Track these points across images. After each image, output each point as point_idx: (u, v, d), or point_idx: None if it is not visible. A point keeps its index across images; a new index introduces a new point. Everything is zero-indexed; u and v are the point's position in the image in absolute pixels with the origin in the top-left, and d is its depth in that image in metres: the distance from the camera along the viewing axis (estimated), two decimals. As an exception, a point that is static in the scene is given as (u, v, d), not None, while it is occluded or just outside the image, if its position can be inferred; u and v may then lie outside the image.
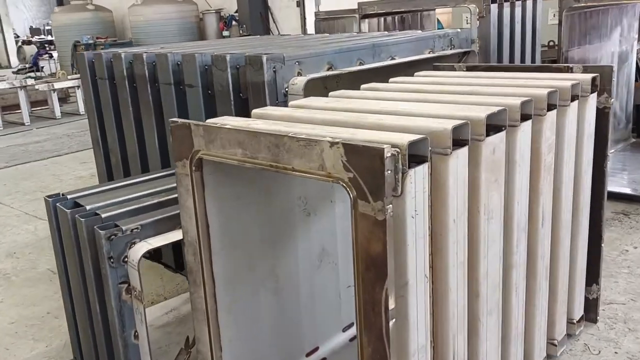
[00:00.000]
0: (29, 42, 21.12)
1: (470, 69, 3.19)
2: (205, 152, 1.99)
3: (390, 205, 1.56)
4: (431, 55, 3.52)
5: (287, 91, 2.83)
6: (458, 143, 1.86)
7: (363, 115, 2.03)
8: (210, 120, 2.03)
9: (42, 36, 24.51)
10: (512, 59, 5.31)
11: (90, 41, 14.51)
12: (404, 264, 1.70)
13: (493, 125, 2.02)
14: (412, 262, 1.72)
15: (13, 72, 16.20)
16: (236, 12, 13.71)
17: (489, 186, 2.01)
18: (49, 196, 2.76)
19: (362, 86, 2.77)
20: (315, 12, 9.17)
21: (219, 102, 3.09)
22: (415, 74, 3.09)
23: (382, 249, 1.59)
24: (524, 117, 2.16)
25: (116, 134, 4.10)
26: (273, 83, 2.79)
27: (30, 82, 10.07)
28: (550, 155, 2.37)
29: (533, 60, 5.60)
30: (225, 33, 13.47)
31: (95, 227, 2.32)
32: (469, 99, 2.24)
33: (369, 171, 1.56)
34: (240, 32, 13.27)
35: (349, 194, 1.61)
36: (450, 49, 3.66)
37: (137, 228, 2.33)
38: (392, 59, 3.34)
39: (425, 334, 1.81)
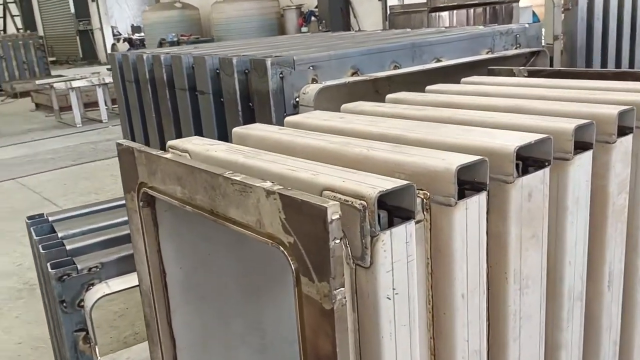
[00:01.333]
0: (129, 40, 21.84)
1: (532, 74, 2.58)
2: (149, 186, 1.57)
3: (342, 289, 1.06)
4: (490, 56, 2.92)
5: (297, 101, 2.36)
6: (473, 187, 1.33)
7: (345, 144, 1.52)
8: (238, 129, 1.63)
9: (142, 34, 25.39)
10: (604, 60, 4.54)
11: (175, 39, 14.67)
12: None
13: (533, 159, 1.46)
14: (389, 357, 1.21)
15: (107, 69, 16.76)
16: (316, 7, 13.34)
17: (522, 244, 1.45)
18: (29, 217, 2.46)
19: (388, 96, 2.26)
20: (390, 7, 8.61)
21: (227, 111, 2.67)
22: (462, 80, 2.52)
23: (331, 350, 1.09)
24: (582, 146, 1.58)
25: (143, 139, 3.81)
26: (279, 92, 2.33)
27: (108, 80, 10.18)
28: (622, 196, 1.76)
29: (632, 63, 4.78)
30: (304, 29, 13.14)
31: (48, 263, 1.97)
32: (503, 120, 1.67)
33: (310, 238, 1.07)
34: (320, 28, 12.88)
35: (290, 266, 1.13)
36: (515, 49, 3.04)
37: (96, 266, 1.95)
38: (438, 61, 2.77)
39: None
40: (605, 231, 1.75)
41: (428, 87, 2.35)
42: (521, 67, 2.62)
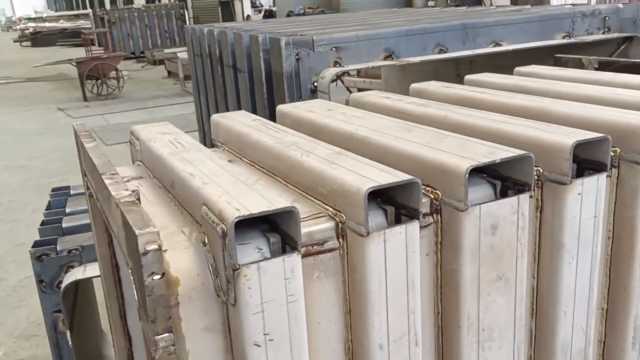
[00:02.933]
0: (269, 12, 22.28)
1: (603, 65, 2.13)
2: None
3: (166, 335, 0.86)
4: (567, 41, 2.48)
5: (315, 86, 2.14)
6: (409, 214, 1.06)
7: (286, 145, 1.30)
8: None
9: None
10: None
11: (301, 11, 14.72)
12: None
13: (513, 181, 1.15)
14: (264, 416, 1.00)
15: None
16: (446, -20, 12.67)
17: (481, 287, 1.15)
18: (55, 189, 2.49)
19: (412, 86, 1.97)
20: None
21: (257, 90, 2.52)
22: (516, 69, 2.16)
23: (162, 402, 0.90)
24: (594, 167, 1.23)
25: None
26: (295, 75, 2.12)
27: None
28: (657, 233, 1.36)
29: None
30: (431, 3, 12.56)
31: (35, 241, 1.95)
32: (492, 128, 1.35)
33: (136, 268, 0.88)
34: (448, 1, 12.25)
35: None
36: (603, 33, 2.56)
37: (76, 249, 1.90)
38: (497, 45, 2.40)
39: None
40: (630, 275, 1.37)
41: (468, 76, 2.03)
42: (591, 58, 2.18)
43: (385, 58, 2.24)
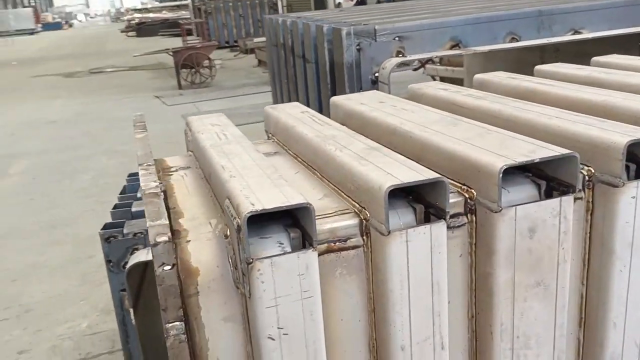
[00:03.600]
0: (361, 1, 22.18)
1: (693, 55, 1.95)
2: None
3: (176, 324, 0.89)
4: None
5: (376, 77, 2.11)
6: (430, 214, 1.02)
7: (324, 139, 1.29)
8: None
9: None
10: None
11: (383, -2, 14.52)
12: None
13: (558, 182, 1.09)
14: (280, 409, 1.00)
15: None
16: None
17: (520, 294, 1.09)
18: (130, 174, 2.62)
19: (475, 77, 1.90)
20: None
21: (321, 81, 2.51)
22: (593, 59, 2.03)
23: (176, 388, 0.93)
24: (648, 170, 1.13)
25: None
26: (355, 65, 2.10)
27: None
28: None
29: None
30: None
31: (105, 224, 2.07)
32: (544, 123, 1.26)
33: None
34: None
35: (156, 282, 0.98)
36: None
37: (141, 232, 2.00)
38: (576, 32, 2.27)
39: None
40: (696, 287, 1.25)
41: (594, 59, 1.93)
42: (680, 46, 2.00)
43: (452, 47, 2.17)
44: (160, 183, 1.02)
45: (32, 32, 38.05)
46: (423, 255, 1.02)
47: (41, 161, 6.59)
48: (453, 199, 1.08)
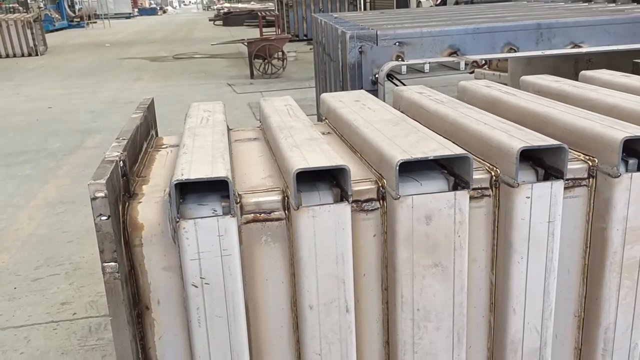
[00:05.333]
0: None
1: (679, 73, 2.01)
2: (142, 141, 1.78)
3: (111, 264, 1.13)
4: (659, 45, 2.35)
5: (376, 78, 2.30)
6: (344, 196, 1.22)
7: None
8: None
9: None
10: None
11: (472, -2, 14.35)
12: (194, 347, 1.24)
13: (459, 179, 1.25)
14: (202, 347, 1.23)
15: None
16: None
17: (418, 272, 1.27)
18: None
19: (522, 78, 2.05)
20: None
21: (337, 78, 2.71)
22: (582, 73, 2.12)
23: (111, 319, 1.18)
24: (555, 173, 1.27)
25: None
26: (357, 66, 2.29)
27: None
28: (634, 249, 1.34)
29: None
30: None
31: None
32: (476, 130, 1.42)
33: (101, 210, 1.15)
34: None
35: (111, 232, 1.23)
36: None
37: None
38: (576, 46, 2.35)
39: None
40: (600, 287, 1.37)
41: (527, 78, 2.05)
42: (668, 64, 2.05)
43: (450, 54, 2.31)
44: (122, 153, 1.26)
45: (128, 16, 40.13)
46: (328, 230, 1.21)
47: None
48: (366, 186, 1.26)
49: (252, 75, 11.25)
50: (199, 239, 1.17)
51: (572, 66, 3.45)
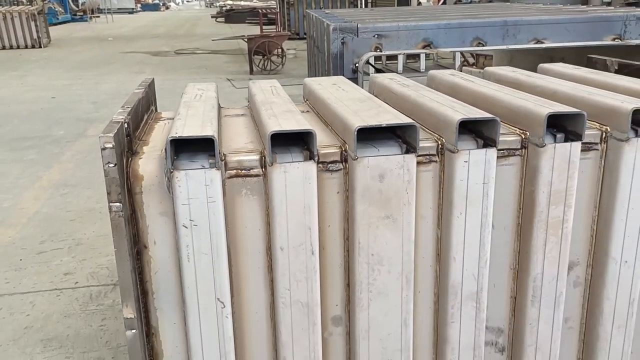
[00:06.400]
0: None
1: (622, 67, 2.26)
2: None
3: (116, 204, 1.37)
4: (614, 43, 2.60)
5: (357, 67, 2.54)
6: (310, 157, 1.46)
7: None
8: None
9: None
10: None
11: None
12: (183, 280, 1.48)
13: (409, 145, 1.49)
14: (190, 279, 1.48)
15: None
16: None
17: (372, 223, 1.51)
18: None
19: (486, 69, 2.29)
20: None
21: (323, 67, 2.96)
22: (540, 66, 2.37)
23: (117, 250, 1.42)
24: (488, 143, 1.51)
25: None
26: (339, 56, 2.54)
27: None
28: (557, 209, 1.59)
29: None
30: (607, -1, 11.80)
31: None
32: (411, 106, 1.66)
33: (109, 160, 1.39)
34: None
35: (116, 182, 1.48)
36: (661, 38, 2.61)
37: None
38: (539, 42, 2.60)
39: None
40: (530, 242, 1.62)
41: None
42: (614, 60, 2.30)
43: (424, 47, 2.56)
44: (127, 117, 1.51)
45: (131, 12, 40.39)
46: (297, 184, 1.45)
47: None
48: (331, 150, 1.51)
49: (251, 71, 11.50)
50: (189, 187, 1.41)
51: (548, 60, 3.70)
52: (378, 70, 3.68)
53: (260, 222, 1.53)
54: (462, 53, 6.68)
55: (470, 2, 15.05)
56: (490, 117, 1.50)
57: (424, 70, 11.22)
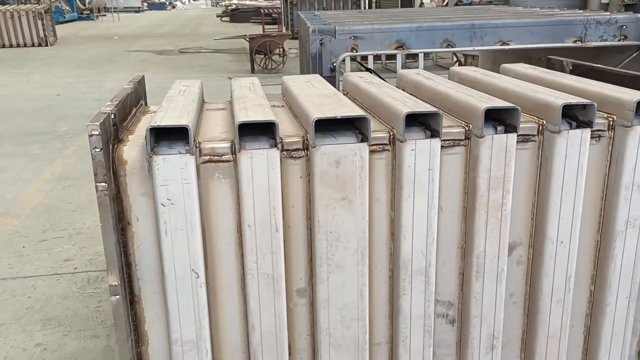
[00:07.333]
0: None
1: (576, 68, 2.45)
2: (133, 108, 2.22)
3: (102, 184, 1.57)
4: (575, 45, 2.79)
5: (334, 66, 2.74)
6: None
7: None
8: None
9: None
10: None
11: (469, 1, 14.78)
12: (162, 253, 1.68)
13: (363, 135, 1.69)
14: (168, 252, 1.68)
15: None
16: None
17: (330, 204, 1.71)
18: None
19: (452, 69, 2.48)
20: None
21: (306, 69, 3.15)
22: (502, 66, 2.55)
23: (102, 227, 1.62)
24: (434, 134, 1.70)
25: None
26: (318, 56, 2.74)
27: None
28: (497, 193, 1.78)
29: None
30: (605, 0, 11.96)
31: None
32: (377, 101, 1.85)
33: (96, 146, 1.59)
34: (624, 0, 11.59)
35: (104, 165, 1.67)
36: (619, 40, 2.80)
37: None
38: (504, 44, 2.79)
39: (194, 329, 1.75)
40: (473, 223, 1.81)
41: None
42: (569, 60, 2.49)
43: (397, 48, 2.75)
44: (114, 109, 1.71)
45: (137, 10, 40.71)
46: (262, 168, 1.65)
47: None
48: (295, 139, 1.70)
49: (252, 70, 11.72)
50: (166, 170, 1.61)
51: (526, 61, 3.89)
52: (368, 70, 3.88)
53: (232, 203, 1.72)
54: (455, 54, 6.84)
55: (471, 4, 15.26)
56: (433, 111, 1.69)
57: (424, 69, 11.38)
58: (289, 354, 1.86)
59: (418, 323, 1.87)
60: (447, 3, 19.57)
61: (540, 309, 1.95)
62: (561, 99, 1.77)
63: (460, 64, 6.38)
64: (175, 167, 1.61)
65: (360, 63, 4.01)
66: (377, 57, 11.51)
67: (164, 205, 1.64)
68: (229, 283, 1.78)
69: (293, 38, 15.26)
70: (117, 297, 1.67)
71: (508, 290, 1.93)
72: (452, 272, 1.91)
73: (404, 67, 11.83)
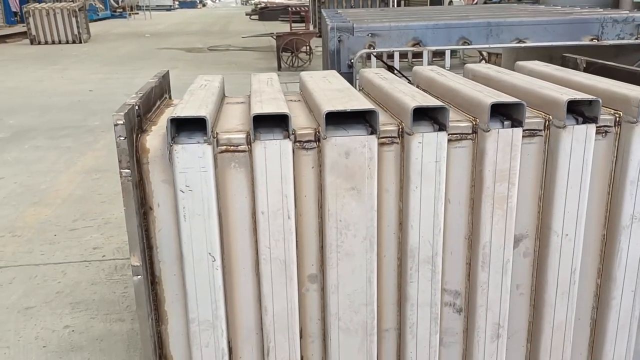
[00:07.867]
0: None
1: (589, 65, 2.48)
2: (157, 101, 2.33)
3: (126, 171, 1.68)
4: (591, 43, 2.82)
5: (352, 62, 2.81)
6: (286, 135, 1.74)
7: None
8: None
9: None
10: None
11: None
12: (181, 237, 1.78)
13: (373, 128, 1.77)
14: (187, 236, 1.78)
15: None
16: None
17: (340, 193, 1.79)
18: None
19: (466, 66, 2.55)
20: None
21: (325, 66, 3.23)
22: (517, 63, 2.60)
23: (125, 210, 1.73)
24: (441, 128, 1.77)
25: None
26: (337, 53, 2.82)
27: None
28: (502, 186, 1.84)
29: None
30: None
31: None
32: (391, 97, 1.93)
33: (121, 135, 1.70)
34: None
35: (128, 154, 1.78)
36: (636, 39, 2.82)
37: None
38: (521, 42, 2.83)
39: (210, 309, 1.85)
40: (479, 214, 1.87)
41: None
42: (583, 58, 2.52)
43: (414, 45, 2.82)
44: (138, 101, 1.81)
45: (169, 9, 41.28)
46: (275, 158, 1.74)
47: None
48: (308, 131, 1.78)
49: (279, 68, 11.84)
50: (185, 159, 1.71)
51: (548, 59, 3.91)
52: (390, 68, 3.95)
53: (247, 191, 1.82)
54: (480, 52, 6.83)
55: (499, 2, 15.15)
56: (439, 105, 1.76)
57: (448, 68, 11.40)
58: (300, 337, 1.94)
59: (425, 310, 1.94)
60: (477, 2, 19.44)
61: (545, 301, 2.00)
62: (567, 95, 1.82)
63: (485, 62, 6.39)
64: (193, 155, 1.71)
65: (384, 62, 4.08)
66: (403, 55, 11.53)
67: (182, 192, 1.74)
68: (243, 267, 1.87)
69: (320, 36, 15.36)
70: (139, 277, 1.77)
71: (514, 281, 1.99)
72: (459, 262, 1.97)
73: (430, 65, 11.83)
